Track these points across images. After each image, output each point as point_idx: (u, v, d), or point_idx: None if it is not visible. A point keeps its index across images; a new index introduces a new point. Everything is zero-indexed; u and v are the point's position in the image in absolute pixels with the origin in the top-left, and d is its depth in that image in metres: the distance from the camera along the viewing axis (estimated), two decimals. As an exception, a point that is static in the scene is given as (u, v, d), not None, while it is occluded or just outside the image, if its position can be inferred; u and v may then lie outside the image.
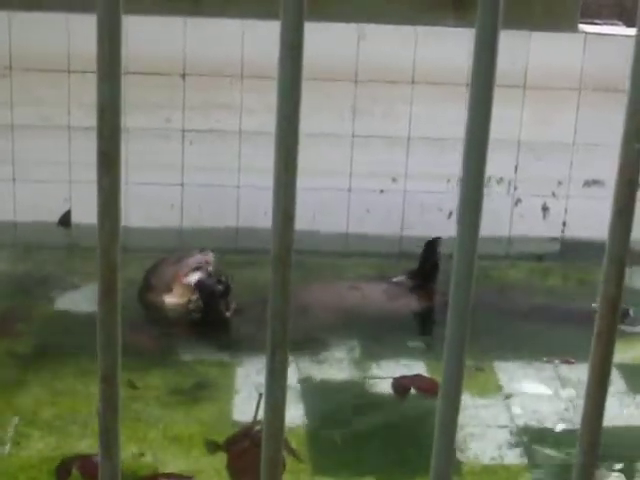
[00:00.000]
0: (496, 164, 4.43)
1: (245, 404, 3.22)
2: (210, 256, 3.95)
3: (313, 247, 4.42)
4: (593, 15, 5.40)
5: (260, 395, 3.12)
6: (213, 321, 3.79)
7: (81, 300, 3.90)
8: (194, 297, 3.81)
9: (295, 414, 3.15)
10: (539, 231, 4.84)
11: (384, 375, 3.49)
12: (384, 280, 4.17)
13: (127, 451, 2.85)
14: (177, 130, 4.61)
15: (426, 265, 4.13)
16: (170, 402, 3.25)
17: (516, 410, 3.30)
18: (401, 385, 3.42)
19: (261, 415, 1.26)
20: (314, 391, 3.36)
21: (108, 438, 1.18)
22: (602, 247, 1.15)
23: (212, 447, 3.00)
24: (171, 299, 3.83)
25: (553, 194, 4.82)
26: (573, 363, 3.60)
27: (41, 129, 4.55)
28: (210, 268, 3.89)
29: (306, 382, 3.41)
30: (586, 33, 4.69)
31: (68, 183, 4.62)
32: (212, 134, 4.63)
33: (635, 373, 3.57)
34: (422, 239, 4.25)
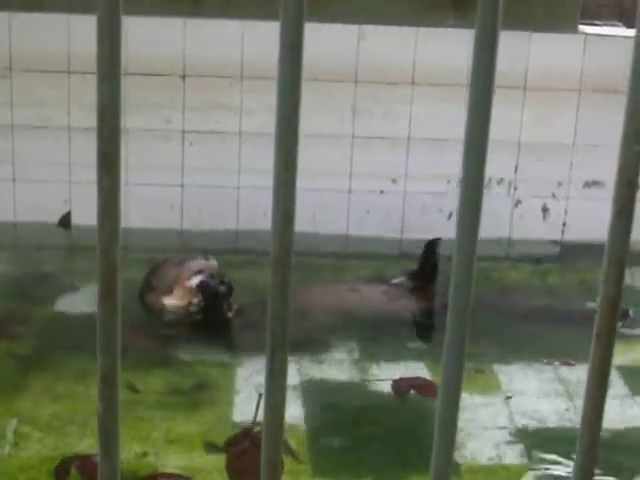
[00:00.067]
0: (496, 165, 4.45)
1: (245, 405, 3.22)
2: (213, 263, 3.94)
3: (313, 248, 4.42)
4: (593, 16, 5.41)
5: (260, 396, 3.12)
6: (214, 322, 3.79)
7: (81, 301, 3.90)
8: (195, 300, 3.81)
9: (295, 415, 3.15)
10: (539, 232, 4.84)
11: (384, 376, 3.48)
12: (384, 281, 4.17)
13: (127, 451, 2.85)
14: (177, 131, 4.61)
15: (426, 266, 4.12)
16: (170, 402, 3.24)
17: (516, 411, 3.30)
18: (401, 386, 3.42)
19: (261, 416, 1.26)
20: (314, 392, 3.36)
21: (107, 438, 1.18)
22: (602, 248, 1.15)
23: (212, 448, 3.00)
24: (171, 301, 3.82)
25: (553, 195, 4.82)
26: (573, 365, 3.60)
27: (41, 130, 4.55)
28: (212, 272, 3.89)
29: (306, 383, 3.41)
30: (586, 34, 4.69)
31: (68, 184, 4.62)
32: (212, 135, 4.63)
33: (635, 375, 3.56)
34: (422, 240, 4.25)
